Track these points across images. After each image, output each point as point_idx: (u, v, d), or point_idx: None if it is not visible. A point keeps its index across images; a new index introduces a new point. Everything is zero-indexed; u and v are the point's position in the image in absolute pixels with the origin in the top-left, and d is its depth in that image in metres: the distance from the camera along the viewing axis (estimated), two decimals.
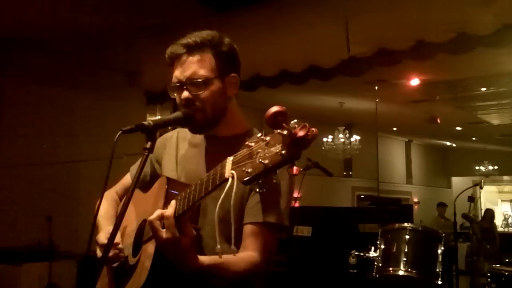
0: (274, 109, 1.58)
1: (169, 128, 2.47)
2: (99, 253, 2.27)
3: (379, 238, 5.47)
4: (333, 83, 6.84)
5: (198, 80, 2.23)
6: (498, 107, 13.80)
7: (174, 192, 2.05)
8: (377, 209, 10.10)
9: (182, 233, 1.92)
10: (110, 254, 2.19)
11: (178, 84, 2.28)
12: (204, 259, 1.99)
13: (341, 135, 13.90)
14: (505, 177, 22.82)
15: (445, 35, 5.34)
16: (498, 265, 6.25)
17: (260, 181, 1.64)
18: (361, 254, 5.40)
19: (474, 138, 20.11)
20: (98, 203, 2.17)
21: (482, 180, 9.25)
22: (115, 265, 2.28)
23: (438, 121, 14.33)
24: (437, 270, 5.15)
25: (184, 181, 2.27)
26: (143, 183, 2.48)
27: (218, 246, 1.80)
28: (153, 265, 2.03)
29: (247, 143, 1.68)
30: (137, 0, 7.24)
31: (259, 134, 1.65)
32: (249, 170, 1.62)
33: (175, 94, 2.31)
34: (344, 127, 14.18)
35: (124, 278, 2.22)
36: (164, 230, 1.91)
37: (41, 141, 8.94)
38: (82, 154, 8.96)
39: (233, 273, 2.07)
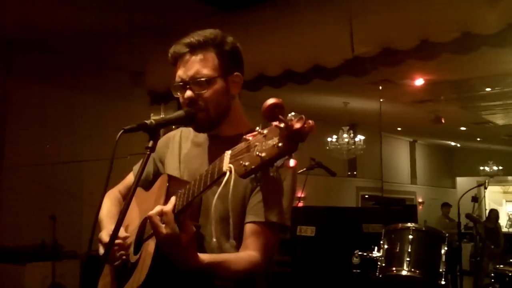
0: (271, 101, 1.59)
1: (173, 127, 2.47)
2: (101, 251, 2.26)
3: (382, 238, 5.47)
4: (337, 83, 6.84)
5: (201, 79, 2.23)
6: (503, 107, 13.78)
7: (176, 189, 2.04)
8: (381, 209, 10.09)
9: (182, 229, 1.91)
10: (112, 252, 2.20)
11: (181, 84, 2.28)
12: (204, 257, 1.98)
13: (345, 135, 13.90)
14: (510, 177, 22.77)
15: (450, 34, 5.33)
16: (502, 266, 6.24)
17: (257, 175, 1.65)
18: (365, 254, 5.40)
19: (478, 138, 20.09)
20: (100, 201, 2.18)
21: (487, 180, 9.26)
22: (116, 263, 2.28)
23: (443, 121, 14.32)
24: (441, 270, 5.14)
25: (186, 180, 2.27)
26: (146, 182, 2.49)
27: (214, 240, 1.83)
28: (153, 263, 2.03)
29: (245, 136, 1.68)
30: (140, 1, 7.24)
31: (257, 128, 1.65)
32: (247, 164, 1.63)
33: (178, 93, 2.31)
34: (348, 127, 14.17)
35: (125, 276, 2.21)
36: (164, 225, 1.91)
37: (44, 141, 8.96)
38: (85, 154, 8.97)
39: (234, 272, 2.07)
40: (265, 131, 1.61)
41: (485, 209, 14.68)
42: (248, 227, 2.19)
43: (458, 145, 22.89)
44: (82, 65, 9.56)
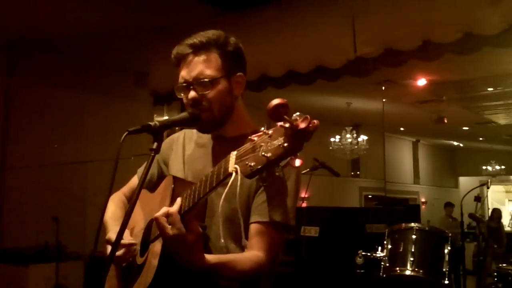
0: (276, 101, 1.60)
1: (176, 128, 2.47)
2: (108, 252, 2.27)
3: (386, 238, 5.47)
4: (340, 83, 6.85)
5: (205, 79, 2.24)
6: (505, 107, 13.80)
7: (181, 190, 2.04)
8: (385, 209, 10.10)
9: (188, 230, 1.92)
10: (119, 253, 2.20)
11: (184, 84, 2.28)
12: (210, 257, 1.99)
13: (348, 135, 13.91)
14: None
15: (452, 35, 5.33)
16: (505, 265, 6.24)
17: (263, 175, 1.66)
18: (368, 254, 5.39)
19: (481, 138, 20.10)
20: (105, 204, 2.18)
21: (489, 180, 9.25)
22: (123, 264, 2.29)
23: (445, 121, 14.31)
24: (444, 270, 5.14)
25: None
26: (150, 184, 2.49)
27: (222, 240, 1.84)
28: (160, 264, 2.03)
29: (250, 137, 1.70)
30: (144, 1, 7.25)
31: (262, 128, 1.66)
32: (252, 164, 1.64)
33: (182, 94, 2.31)
34: (351, 127, 14.18)
35: (131, 278, 2.22)
36: (170, 226, 1.91)
37: (48, 142, 8.97)
38: (89, 155, 8.97)
39: (239, 272, 2.08)
40: (270, 132, 1.62)
41: (488, 209, 14.66)
42: (253, 227, 2.20)
43: (461, 145, 22.89)
44: (85, 65, 9.58)
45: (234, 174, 1.70)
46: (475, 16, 5.23)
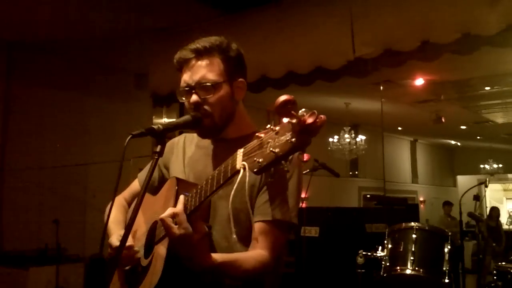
0: (284, 97, 1.63)
1: (176, 132, 2.48)
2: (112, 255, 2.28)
3: (386, 237, 5.49)
4: (339, 84, 6.85)
5: (207, 84, 2.25)
6: (503, 106, 13.82)
7: (185, 191, 2.05)
8: (384, 208, 10.08)
9: (194, 230, 1.93)
10: (123, 255, 2.21)
11: (187, 88, 2.29)
12: (216, 256, 2.01)
13: (347, 136, 13.89)
14: (510, 175, 22.75)
15: (450, 35, 5.35)
16: (504, 263, 6.27)
17: (271, 171, 1.68)
18: (369, 253, 5.42)
19: (479, 137, 20.09)
20: (108, 208, 2.19)
21: (487, 179, 9.27)
22: (127, 267, 2.30)
23: (443, 120, 14.32)
24: (444, 268, 5.16)
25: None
26: (151, 188, 2.50)
27: (234, 236, 1.85)
28: (165, 266, 2.04)
29: (257, 134, 1.71)
30: (145, 3, 7.26)
31: (268, 125, 1.68)
32: (260, 160, 1.65)
33: (184, 98, 2.32)
34: (350, 128, 14.16)
35: (136, 280, 2.23)
36: (177, 226, 1.93)
37: (48, 144, 8.97)
38: (88, 157, 8.98)
39: (244, 271, 2.09)
40: (277, 128, 1.64)
41: (486, 207, 14.66)
42: (257, 226, 2.20)
43: (459, 144, 22.88)
44: (85, 67, 9.58)
45: (242, 171, 1.71)
46: (473, 16, 5.24)
